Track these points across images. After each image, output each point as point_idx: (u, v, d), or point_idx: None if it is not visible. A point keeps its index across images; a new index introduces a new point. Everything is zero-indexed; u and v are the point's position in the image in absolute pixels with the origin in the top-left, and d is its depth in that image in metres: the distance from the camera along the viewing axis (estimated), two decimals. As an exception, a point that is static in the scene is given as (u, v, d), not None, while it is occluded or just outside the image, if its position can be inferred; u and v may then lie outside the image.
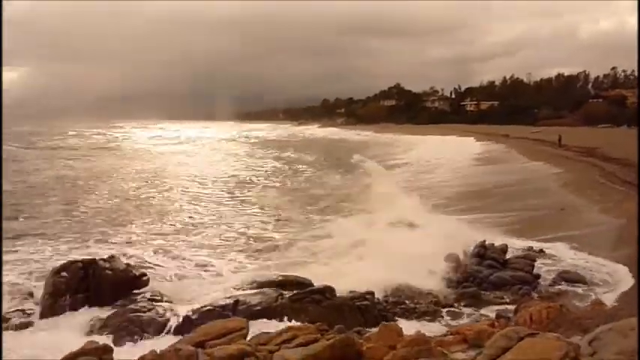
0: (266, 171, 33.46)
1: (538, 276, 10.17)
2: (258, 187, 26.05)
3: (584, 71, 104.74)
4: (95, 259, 9.17)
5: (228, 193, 23.54)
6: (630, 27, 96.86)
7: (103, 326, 7.74)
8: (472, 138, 54.01)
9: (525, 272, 10.24)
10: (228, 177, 29.58)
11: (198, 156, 45.62)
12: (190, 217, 17.70)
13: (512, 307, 8.52)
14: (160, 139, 70.20)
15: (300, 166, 36.31)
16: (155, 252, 12.68)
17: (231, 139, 76.02)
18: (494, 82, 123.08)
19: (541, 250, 11.79)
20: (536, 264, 10.48)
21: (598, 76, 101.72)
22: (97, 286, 8.66)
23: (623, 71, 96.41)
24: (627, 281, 9.58)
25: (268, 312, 7.76)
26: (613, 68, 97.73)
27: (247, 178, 29.26)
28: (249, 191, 23.98)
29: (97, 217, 17.10)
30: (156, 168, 33.74)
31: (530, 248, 11.84)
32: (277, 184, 27.06)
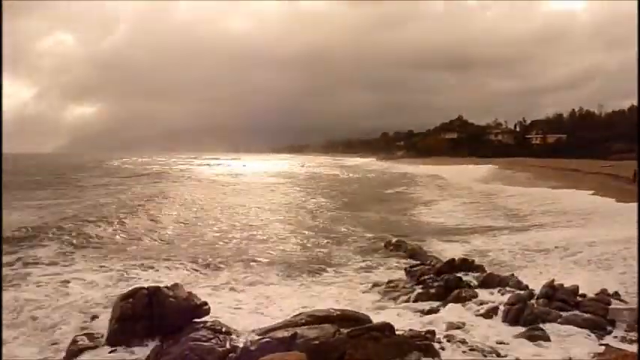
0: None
1: (613, 321, 9.50)
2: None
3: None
4: (159, 286, 9.45)
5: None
6: None
7: (165, 354, 7.91)
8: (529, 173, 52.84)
9: (599, 316, 9.62)
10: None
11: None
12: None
13: (584, 353, 8.04)
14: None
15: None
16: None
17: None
18: (561, 114, 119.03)
19: (616, 293, 11.05)
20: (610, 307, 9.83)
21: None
22: (160, 313, 8.89)
23: None
24: None
25: (326, 347, 7.66)
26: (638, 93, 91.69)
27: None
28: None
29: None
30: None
31: (604, 290, 11.11)
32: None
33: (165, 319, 8.82)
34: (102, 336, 8.86)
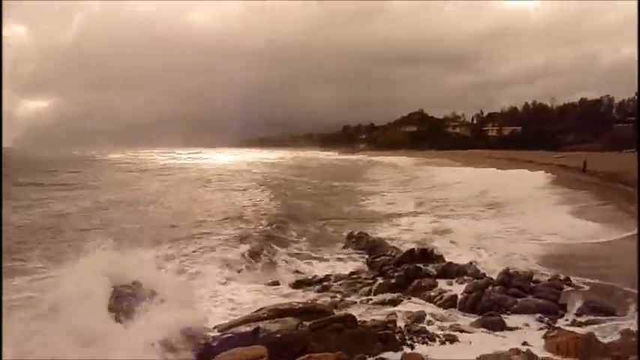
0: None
1: (564, 305, 9.91)
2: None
3: (608, 96, 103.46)
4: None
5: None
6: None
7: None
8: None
9: (551, 301, 10.01)
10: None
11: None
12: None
13: (537, 337, 8.34)
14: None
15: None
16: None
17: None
18: (516, 107, 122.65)
19: (567, 279, 11.50)
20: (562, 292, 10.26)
21: (623, 100, 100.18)
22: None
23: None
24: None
25: (288, 340, 7.68)
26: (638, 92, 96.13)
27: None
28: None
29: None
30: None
31: (557, 276, 11.56)
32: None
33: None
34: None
